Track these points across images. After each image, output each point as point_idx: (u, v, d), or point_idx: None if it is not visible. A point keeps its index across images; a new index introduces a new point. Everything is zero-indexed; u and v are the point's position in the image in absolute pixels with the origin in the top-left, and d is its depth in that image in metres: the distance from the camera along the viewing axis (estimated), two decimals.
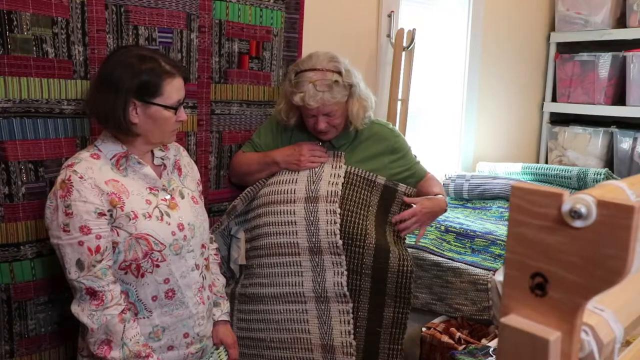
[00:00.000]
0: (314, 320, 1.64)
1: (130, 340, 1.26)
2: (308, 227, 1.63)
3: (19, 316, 1.42)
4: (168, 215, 1.34)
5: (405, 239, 1.76)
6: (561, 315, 0.52)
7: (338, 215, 1.62)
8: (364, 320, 1.66)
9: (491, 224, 2.29)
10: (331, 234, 1.61)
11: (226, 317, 1.55)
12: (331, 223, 1.61)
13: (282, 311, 1.66)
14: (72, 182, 1.22)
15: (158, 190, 1.36)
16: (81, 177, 1.23)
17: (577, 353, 0.54)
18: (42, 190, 1.42)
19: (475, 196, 2.53)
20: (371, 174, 1.74)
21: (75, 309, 1.24)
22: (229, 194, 1.89)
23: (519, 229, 0.54)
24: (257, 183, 1.76)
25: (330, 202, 1.63)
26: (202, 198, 1.53)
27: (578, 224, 0.50)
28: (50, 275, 1.46)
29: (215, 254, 1.60)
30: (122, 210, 1.26)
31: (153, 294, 1.31)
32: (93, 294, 1.23)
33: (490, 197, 2.50)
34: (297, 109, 1.72)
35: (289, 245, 1.65)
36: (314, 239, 1.62)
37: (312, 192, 1.66)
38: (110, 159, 1.30)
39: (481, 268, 2.00)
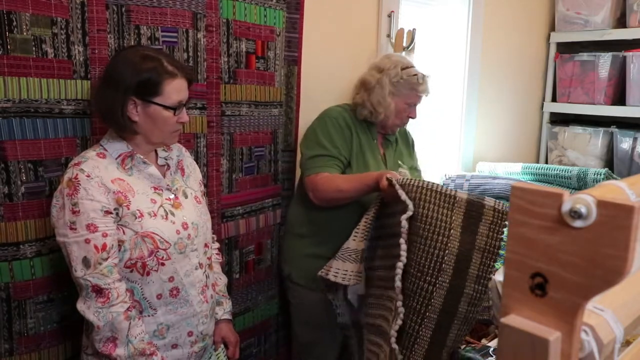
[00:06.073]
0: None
1: (135, 337, 1.26)
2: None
3: (18, 315, 1.42)
4: (172, 214, 1.35)
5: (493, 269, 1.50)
6: (561, 315, 0.52)
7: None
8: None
9: None
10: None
11: (228, 316, 1.56)
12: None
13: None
14: (79, 181, 1.23)
15: (162, 190, 1.37)
16: (88, 176, 1.24)
17: (577, 353, 0.54)
18: (41, 190, 1.42)
19: None
20: (450, 189, 1.48)
21: (81, 306, 1.25)
22: (242, 198, 1.86)
23: (519, 229, 0.54)
24: (367, 219, 1.59)
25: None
26: (205, 198, 1.54)
27: (578, 224, 0.50)
28: (50, 274, 1.46)
29: (217, 254, 1.61)
30: (128, 209, 1.27)
31: (158, 292, 1.32)
32: (99, 291, 1.23)
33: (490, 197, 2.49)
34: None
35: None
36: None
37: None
38: (116, 159, 1.31)
39: None
